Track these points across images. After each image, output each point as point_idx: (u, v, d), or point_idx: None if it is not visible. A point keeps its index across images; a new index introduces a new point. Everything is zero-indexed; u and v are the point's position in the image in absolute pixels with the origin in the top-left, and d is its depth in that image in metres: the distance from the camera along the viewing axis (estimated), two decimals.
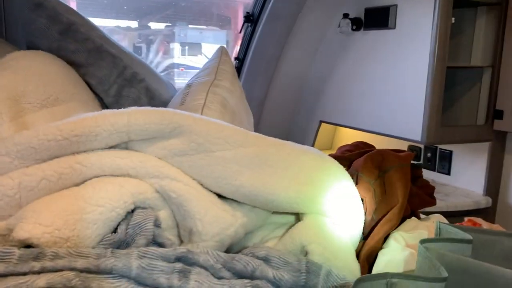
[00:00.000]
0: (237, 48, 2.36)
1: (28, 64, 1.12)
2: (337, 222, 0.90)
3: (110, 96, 1.26)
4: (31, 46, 1.33)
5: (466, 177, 2.02)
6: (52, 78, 1.13)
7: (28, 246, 0.71)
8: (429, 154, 2.15)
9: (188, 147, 0.84)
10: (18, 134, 0.85)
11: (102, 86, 1.26)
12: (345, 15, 2.15)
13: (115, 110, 0.88)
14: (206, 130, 0.85)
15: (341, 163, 0.96)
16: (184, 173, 0.85)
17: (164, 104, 1.33)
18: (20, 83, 1.06)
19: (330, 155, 1.05)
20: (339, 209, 0.90)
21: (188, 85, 1.23)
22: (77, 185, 0.82)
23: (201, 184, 0.86)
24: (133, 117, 0.83)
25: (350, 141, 1.27)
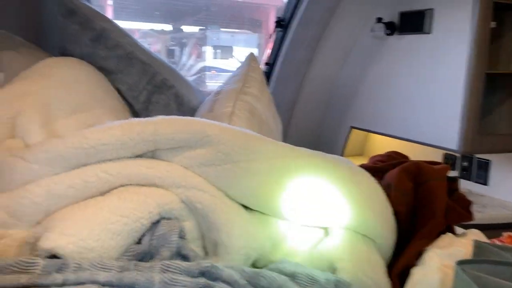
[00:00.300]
0: (269, 51, 2.34)
1: (60, 71, 1.13)
2: (368, 237, 0.86)
3: (140, 102, 1.26)
4: (63, 52, 1.35)
5: (505, 188, 1.93)
6: (82, 85, 1.14)
7: (53, 256, 0.71)
8: (465, 163, 2.07)
9: (215, 157, 0.82)
10: (46, 142, 0.86)
11: (132, 93, 1.26)
12: (379, 19, 2.10)
13: (142, 119, 0.87)
14: (234, 140, 0.83)
15: (372, 175, 0.93)
16: (210, 184, 0.83)
17: (193, 110, 1.33)
18: (52, 89, 1.07)
19: (361, 165, 1.01)
20: (370, 223, 0.86)
21: (217, 92, 1.22)
22: (102, 193, 0.81)
23: (228, 195, 0.84)
24: (160, 126, 0.82)
25: (381, 148, 1.23)
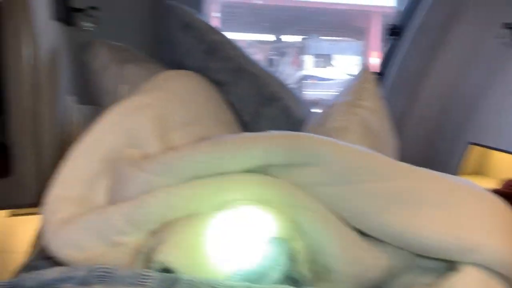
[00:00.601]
0: (372, 59, 2.23)
1: (175, 84, 1.17)
2: (503, 277, 0.75)
3: (249, 115, 1.26)
4: (178, 65, 1.40)
5: None
6: (195, 98, 1.17)
7: (166, 269, 0.71)
8: None
9: (328, 177, 0.78)
10: (163, 153, 0.88)
11: (241, 105, 1.27)
12: (506, 25, 1.89)
13: (255, 134, 0.86)
14: (349, 159, 0.78)
15: (509, 202, 0.81)
16: (322, 205, 0.78)
17: (301, 122, 1.30)
18: (167, 102, 1.11)
19: (493, 190, 0.89)
20: (505, 261, 0.74)
21: (328, 105, 1.17)
22: (215, 207, 0.81)
23: (341, 218, 0.78)
24: (272, 142, 0.80)
25: (506, 168, 1.08)
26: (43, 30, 1.15)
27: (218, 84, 1.29)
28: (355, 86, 1.19)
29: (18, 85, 1.07)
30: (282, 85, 1.33)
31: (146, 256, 0.76)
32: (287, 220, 0.78)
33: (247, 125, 1.27)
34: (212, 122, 1.16)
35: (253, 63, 1.31)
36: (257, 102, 1.26)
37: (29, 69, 1.08)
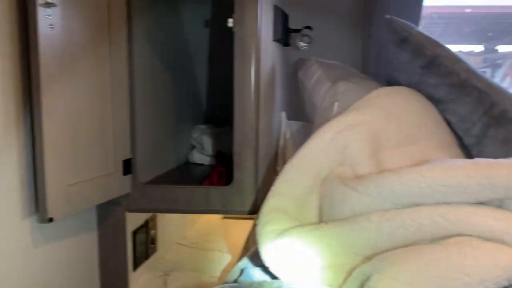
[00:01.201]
0: None
1: (390, 101, 1.11)
2: None
3: (472, 136, 1.11)
4: (390, 81, 1.34)
5: None
6: (412, 116, 1.09)
7: None
8: None
9: None
10: (380, 176, 0.84)
11: (464, 124, 1.13)
12: None
13: (491, 161, 0.75)
14: None
15: None
16: None
17: None
18: (382, 120, 1.06)
19: None
20: None
21: None
22: (435, 239, 0.73)
23: None
24: None
25: None
26: (266, 51, 1.24)
27: (435, 101, 1.18)
28: None
29: (243, 100, 1.17)
30: None
31: (359, 282, 0.72)
32: None
33: (469, 148, 1.12)
34: (430, 142, 1.07)
35: (479, 78, 1.15)
36: (483, 122, 1.10)
37: (253, 86, 1.17)
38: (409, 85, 1.23)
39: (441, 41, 1.25)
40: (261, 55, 1.18)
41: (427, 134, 1.09)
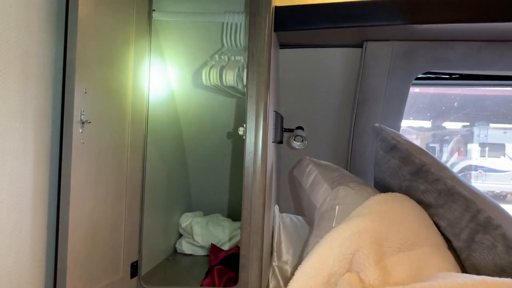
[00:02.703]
0: None
1: (388, 208, 1.21)
2: None
3: (461, 240, 1.21)
4: (380, 182, 1.45)
5: None
6: (409, 222, 1.19)
7: None
8: None
9: None
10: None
11: (452, 229, 1.23)
12: None
13: (497, 280, 0.83)
14: None
15: None
16: None
17: None
18: (384, 227, 1.15)
19: None
20: None
21: None
22: None
23: None
24: None
25: None
26: (269, 154, 1.32)
27: (425, 205, 1.29)
28: None
29: (250, 203, 1.21)
30: (498, 210, 1.27)
31: None
32: None
33: (459, 251, 1.22)
34: (426, 248, 1.16)
35: (464, 185, 1.28)
36: (471, 228, 1.21)
37: (261, 189, 1.22)
38: (400, 189, 1.34)
39: None
40: (267, 158, 1.25)
41: (423, 240, 1.18)
